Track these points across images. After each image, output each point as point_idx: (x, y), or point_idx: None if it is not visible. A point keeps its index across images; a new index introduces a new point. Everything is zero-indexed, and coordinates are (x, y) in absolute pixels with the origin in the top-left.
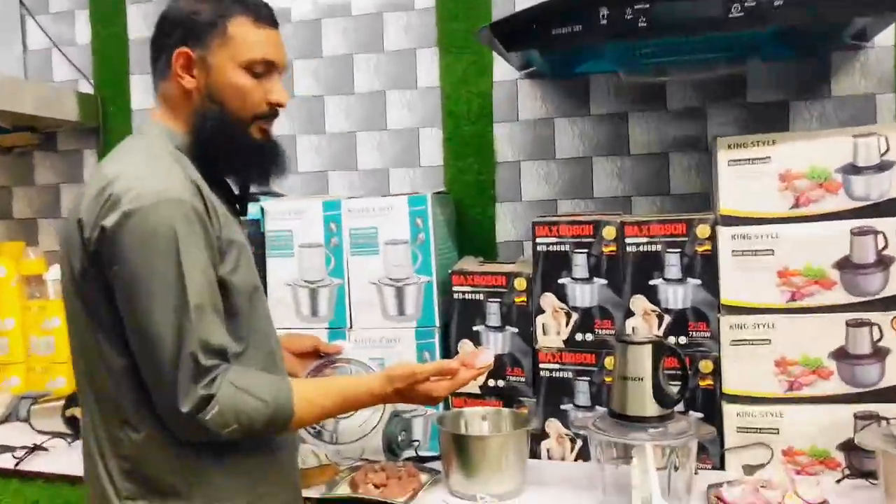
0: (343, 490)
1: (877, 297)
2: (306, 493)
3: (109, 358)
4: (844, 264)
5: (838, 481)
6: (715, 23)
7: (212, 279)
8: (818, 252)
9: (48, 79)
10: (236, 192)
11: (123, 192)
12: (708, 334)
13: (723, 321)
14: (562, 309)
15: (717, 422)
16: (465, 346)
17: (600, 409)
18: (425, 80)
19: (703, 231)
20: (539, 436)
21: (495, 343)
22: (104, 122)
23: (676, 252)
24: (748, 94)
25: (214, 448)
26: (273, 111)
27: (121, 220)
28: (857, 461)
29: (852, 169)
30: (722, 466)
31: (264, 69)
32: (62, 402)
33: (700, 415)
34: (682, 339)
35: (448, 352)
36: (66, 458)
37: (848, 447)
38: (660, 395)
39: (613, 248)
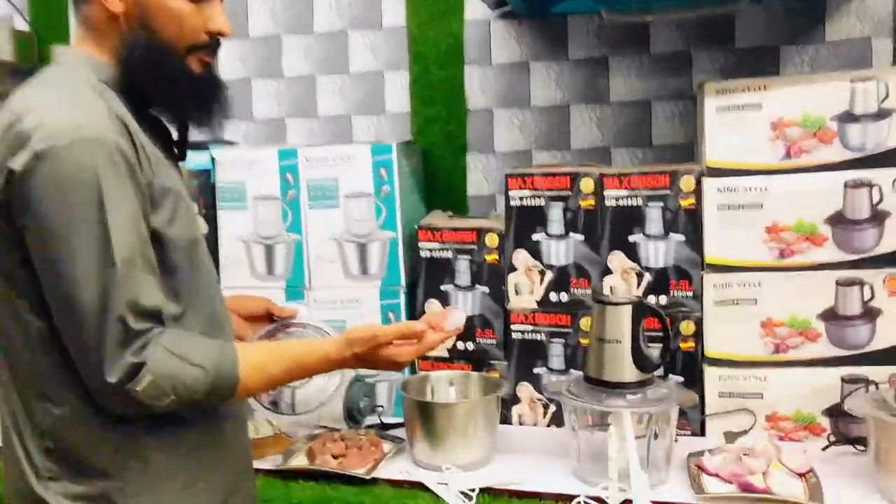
0: (299, 461)
1: (869, 254)
2: (259, 464)
3: (25, 320)
4: (837, 220)
5: (824, 448)
6: None
7: (142, 231)
8: (809, 206)
9: None
10: (175, 135)
11: (33, 128)
12: (690, 294)
13: (706, 280)
14: (535, 267)
15: (697, 386)
16: (433, 306)
17: (575, 373)
18: (391, 18)
19: (687, 184)
20: (510, 401)
21: (465, 303)
22: (42, 62)
23: (658, 206)
24: (737, 39)
25: (149, 421)
26: (214, 42)
27: (31, 162)
28: (844, 427)
29: (848, 117)
30: (702, 433)
31: None
32: None
33: (680, 379)
34: (663, 299)
35: (414, 313)
36: None
37: (834, 412)
38: (639, 359)
39: (591, 202)
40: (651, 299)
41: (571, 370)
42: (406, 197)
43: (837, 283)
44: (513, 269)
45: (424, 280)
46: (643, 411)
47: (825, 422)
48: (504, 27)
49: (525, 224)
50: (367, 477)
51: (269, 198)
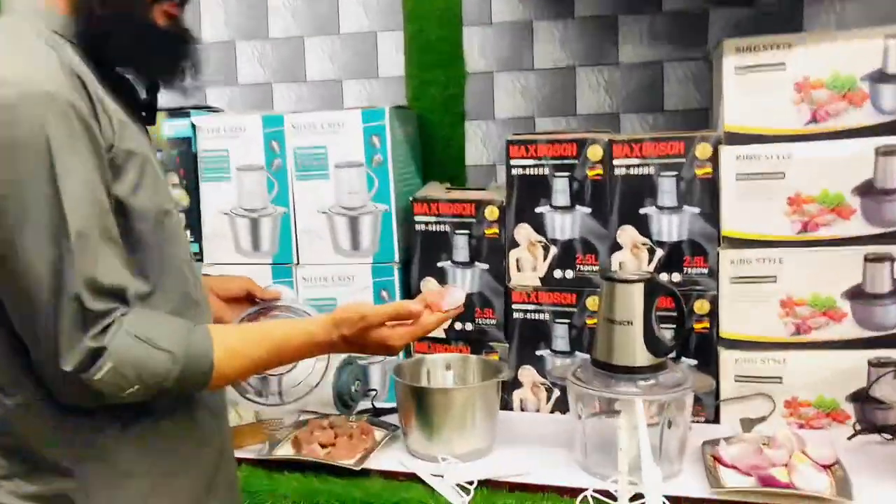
0: (285, 451)
1: None
2: (241, 454)
3: None
4: (866, 190)
5: (850, 437)
6: None
7: (101, 198)
8: (837, 176)
9: None
10: (143, 96)
11: None
12: (705, 270)
13: (723, 255)
14: (539, 242)
15: (712, 370)
16: (429, 284)
17: (580, 356)
18: None
19: (703, 151)
20: (511, 385)
21: (463, 281)
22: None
23: (672, 176)
24: None
25: (113, 413)
26: None
27: None
28: (871, 414)
29: (881, 76)
30: (716, 419)
31: None
32: None
33: (693, 362)
34: (676, 277)
35: (409, 291)
36: None
37: (860, 398)
38: (652, 342)
39: (599, 172)
40: (663, 276)
41: (577, 353)
42: (400, 167)
43: (866, 259)
44: (514, 244)
45: (420, 256)
46: (656, 398)
47: (850, 408)
48: None
49: (528, 195)
50: (357, 468)
51: (254, 168)
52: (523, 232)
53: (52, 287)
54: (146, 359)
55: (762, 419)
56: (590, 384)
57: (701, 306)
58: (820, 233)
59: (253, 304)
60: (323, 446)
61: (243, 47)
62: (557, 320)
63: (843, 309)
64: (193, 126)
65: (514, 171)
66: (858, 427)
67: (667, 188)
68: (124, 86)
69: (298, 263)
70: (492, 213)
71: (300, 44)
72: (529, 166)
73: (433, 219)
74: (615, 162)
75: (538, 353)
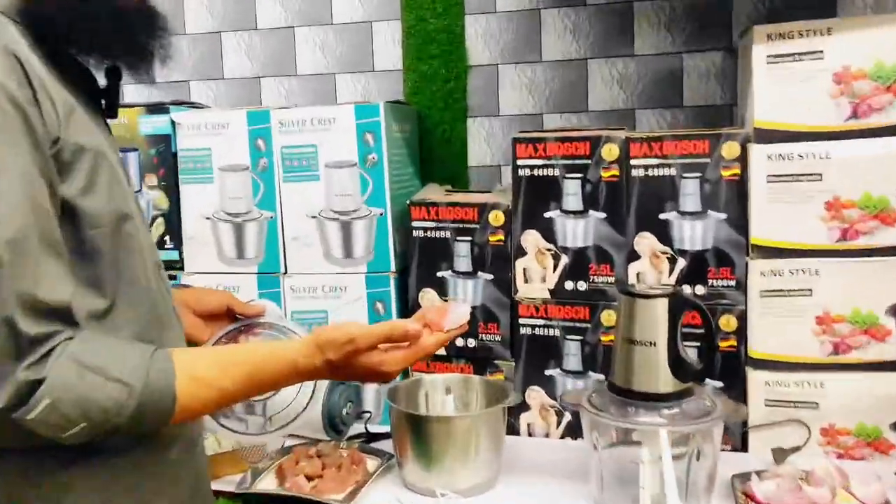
0: (267, 483)
1: None
2: (219, 485)
3: None
4: None
5: None
6: None
7: (40, 201)
8: (880, 177)
9: None
10: (102, 84)
11: None
12: (732, 283)
13: (752, 266)
14: (548, 250)
15: (739, 392)
16: (428, 295)
17: (594, 377)
18: None
19: (730, 150)
20: (518, 408)
21: (465, 292)
22: None
23: (695, 177)
24: None
25: (63, 448)
26: None
27: None
28: None
29: None
30: (744, 447)
31: None
32: None
33: (718, 384)
34: (700, 289)
35: (407, 305)
36: None
37: None
38: (677, 365)
39: (615, 173)
40: (685, 289)
41: (590, 372)
42: (396, 167)
43: None
44: (521, 252)
45: (418, 265)
46: (683, 430)
47: (894, 437)
48: None
49: (536, 199)
50: None
51: (238, 168)
52: (531, 239)
53: None
54: (93, 392)
55: (796, 449)
56: (607, 411)
57: (727, 322)
58: (861, 241)
59: (233, 320)
60: (309, 478)
61: (229, 38)
62: (568, 337)
63: (886, 326)
64: (173, 122)
65: (520, 173)
66: None
67: (690, 191)
68: (80, 72)
69: (286, 273)
70: (496, 218)
71: (290, 35)
72: (538, 167)
73: (432, 224)
74: (632, 162)
75: (547, 372)
